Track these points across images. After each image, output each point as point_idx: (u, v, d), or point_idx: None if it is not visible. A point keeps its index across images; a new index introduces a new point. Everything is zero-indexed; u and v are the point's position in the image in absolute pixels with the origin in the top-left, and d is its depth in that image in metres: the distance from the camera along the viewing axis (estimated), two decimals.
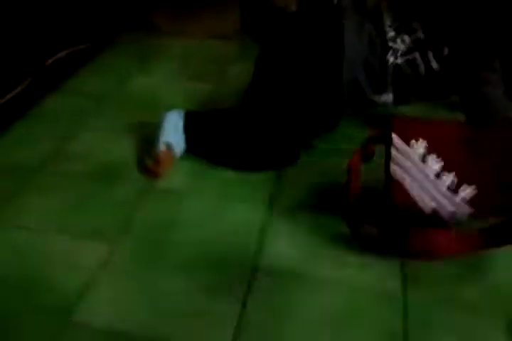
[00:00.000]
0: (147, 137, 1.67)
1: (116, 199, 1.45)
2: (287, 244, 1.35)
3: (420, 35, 1.57)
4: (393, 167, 1.30)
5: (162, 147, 1.56)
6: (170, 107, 1.69)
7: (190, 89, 2.05)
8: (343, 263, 1.30)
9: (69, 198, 1.45)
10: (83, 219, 1.38)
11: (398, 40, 1.58)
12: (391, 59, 1.58)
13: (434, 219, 1.27)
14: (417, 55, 1.58)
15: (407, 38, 1.58)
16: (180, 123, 1.62)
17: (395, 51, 1.58)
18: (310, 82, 1.59)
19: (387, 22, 1.60)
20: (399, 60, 1.58)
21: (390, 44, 1.57)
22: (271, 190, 1.54)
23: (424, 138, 1.33)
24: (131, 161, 1.61)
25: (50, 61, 1.95)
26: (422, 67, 1.58)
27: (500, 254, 1.33)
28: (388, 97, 1.66)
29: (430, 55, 1.57)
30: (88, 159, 1.60)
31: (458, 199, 1.26)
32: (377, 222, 1.31)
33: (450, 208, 1.26)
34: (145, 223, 1.38)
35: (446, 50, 1.55)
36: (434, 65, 1.58)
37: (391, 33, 1.58)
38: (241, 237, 1.36)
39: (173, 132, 1.60)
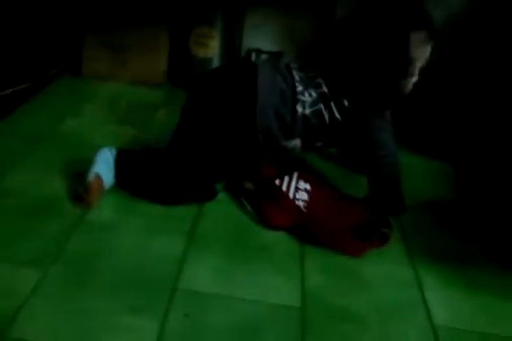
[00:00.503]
0: (78, 173, 1.80)
1: (48, 231, 1.58)
2: (204, 269, 1.52)
3: (324, 89, 1.81)
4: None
5: (92, 177, 1.70)
6: (99, 148, 1.83)
7: (117, 132, 2.21)
8: (254, 284, 1.49)
9: (2, 231, 1.56)
10: (15, 249, 1.50)
11: (306, 94, 1.79)
12: (300, 109, 1.78)
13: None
14: (321, 106, 1.80)
15: (313, 92, 1.79)
16: (111, 159, 1.77)
17: (303, 103, 1.78)
18: (227, 127, 1.78)
19: (296, 77, 1.82)
20: (306, 111, 1.79)
21: (299, 96, 1.78)
22: (192, 223, 1.71)
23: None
24: (62, 196, 1.74)
25: None
26: (326, 117, 1.81)
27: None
28: (296, 143, 1.86)
29: (333, 106, 1.80)
30: (20, 196, 1.72)
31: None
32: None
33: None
34: (75, 253, 1.52)
35: (345, 102, 1.81)
36: (337, 115, 1.82)
37: (299, 88, 1.79)
38: (163, 264, 1.52)
39: (103, 165, 1.75)
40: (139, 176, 1.79)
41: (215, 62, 2.71)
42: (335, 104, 1.80)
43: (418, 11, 1.81)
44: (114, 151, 1.80)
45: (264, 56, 2.81)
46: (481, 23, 2.34)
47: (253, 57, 2.82)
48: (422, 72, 1.83)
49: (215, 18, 2.64)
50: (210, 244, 1.63)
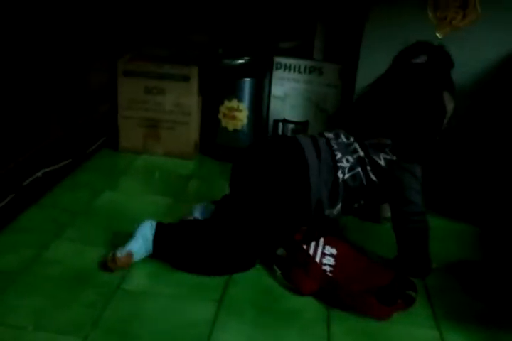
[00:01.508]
0: (115, 244, 1.92)
1: (87, 300, 1.68)
2: (232, 336, 1.59)
3: (360, 153, 1.93)
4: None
5: (124, 253, 1.81)
6: (136, 219, 1.96)
7: (153, 203, 2.34)
8: None
9: (44, 300, 1.67)
10: (57, 318, 1.59)
11: (344, 160, 1.91)
12: (341, 176, 1.90)
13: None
14: (359, 169, 1.91)
15: (350, 158, 1.92)
16: (150, 232, 1.87)
17: (343, 169, 1.90)
18: (280, 202, 1.88)
19: (334, 146, 1.94)
20: (346, 176, 1.90)
21: (339, 164, 1.90)
22: (222, 290, 1.79)
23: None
24: (99, 267, 1.85)
25: (27, 181, 2.23)
26: (363, 179, 1.91)
27: None
28: (338, 209, 1.96)
29: (369, 169, 1.91)
30: (61, 265, 1.84)
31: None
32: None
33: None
34: (112, 319, 1.60)
35: (382, 162, 1.91)
36: (373, 176, 1.92)
37: (338, 155, 1.91)
38: (193, 330, 1.59)
39: (140, 240, 1.86)
40: (178, 248, 1.88)
41: (244, 134, 2.86)
42: (371, 166, 1.91)
43: (445, 74, 1.96)
44: (154, 224, 1.90)
45: (291, 126, 2.95)
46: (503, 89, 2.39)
47: (280, 127, 2.96)
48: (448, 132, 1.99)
49: (243, 92, 2.82)
50: (239, 311, 1.70)
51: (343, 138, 1.98)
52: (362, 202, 1.98)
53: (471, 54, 2.25)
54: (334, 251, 1.97)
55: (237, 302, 1.74)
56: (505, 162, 2.36)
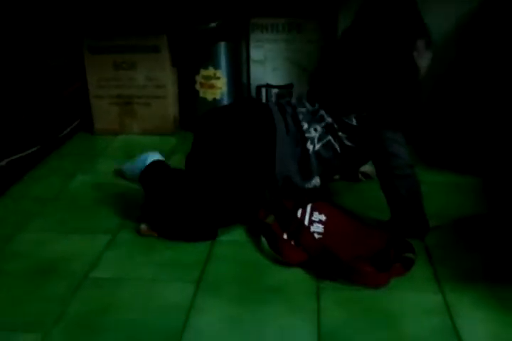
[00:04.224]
0: (86, 229, 1.80)
1: (51, 292, 1.53)
2: (212, 317, 1.43)
3: (328, 120, 1.76)
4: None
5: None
6: (111, 202, 1.89)
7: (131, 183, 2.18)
8: (266, 330, 1.38)
9: (3, 295, 1.52)
10: (15, 314, 1.45)
11: (311, 130, 1.76)
12: (310, 147, 1.76)
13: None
14: (330, 137, 1.76)
15: (318, 126, 1.77)
16: (142, 165, 1.92)
17: (312, 140, 1.76)
18: (243, 174, 1.75)
19: (300, 116, 1.79)
20: (317, 147, 1.76)
21: (306, 135, 1.76)
22: (201, 269, 1.63)
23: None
24: (67, 256, 1.69)
25: None
26: (337, 147, 1.76)
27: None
28: (316, 181, 1.83)
29: (341, 135, 1.75)
30: (26, 258, 1.69)
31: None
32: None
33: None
34: (78, 312, 1.45)
35: (354, 121, 1.73)
36: (347, 142, 1.75)
37: (305, 126, 1.77)
38: (170, 316, 1.43)
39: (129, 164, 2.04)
40: (152, 194, 1.81)
41: (225, 103, 2.68)
42: (342, 131, 1.75)
43: (417, 20, 1.75)
44: (150, 160, 1.94)
45: (274, 90, 2.76)
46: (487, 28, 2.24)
47: (263, 93, 2.78)
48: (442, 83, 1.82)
49: (219, 58, 2.63)
50: (220, 290, 1.54)
51: (307, 105, 1.81)
52: (340, 171, 1.85)
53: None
54: (323, 217, 1.80)
55: (217, 280, 1.58)
56: (505, 108, 2.19)
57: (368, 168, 2.11)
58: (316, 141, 1.76)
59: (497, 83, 2.25)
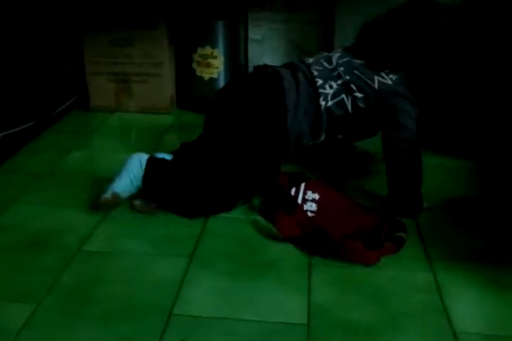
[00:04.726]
0: (79, 204, 1.80)
1: (43, 264, 1.53)
2: (204, 290, 1.44)
3: (346, 78, 1.76)
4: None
5: (107, 195, 1.69)
6: (104, 177, 1.85)
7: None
8: (258, 303, 1.39)
9: None
10: (7, 285, 1.45)
11: (327, 86, 1.76)
12: (323, 103, 1.75)
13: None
14: (343, 96, 1.76)
15: (333, 83, 1.76)
16: (138, 170, 1.72)
17: (326, 96, 1.75)
18: (258, 135, 1.74)
19: (315, 73, 1.78)
20: (329, 103, 1.75)
21: (320, 90, 1.75)
22: (194, 243, 1.64)
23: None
24: (61, 229, 1.70)
25: None
26: (349, 107, 1.76)
27: None
28: (320, 139, 1.82)
29: (356, 95, 1.75)
30: (18, 230, 1.69)
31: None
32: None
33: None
34: (70, 284, 1.46)
35: (376, 85, 1.74)
36: (360, 103, 1.76)
37: (320, 82, 1.76)
38: (160, 289, 1.44)
39: (124, 179, 1.72)
40: (166, 188, 1.74)
41: (222, 82, 2.66)
42: (359, 91, 1.75)
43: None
44: (144, 160, 1.75)
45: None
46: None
47: None
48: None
49: (217, 37, 2.61)
50: (212, 264, 1.55)
51: (325, 62, 1.82)
52: (346, 133, 1.84)
53: None
54: (316, 196, 1.80)
55: (210, 254, 1.59)
56: (500, 94, 2.19)
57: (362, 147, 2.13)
58: (329, 97, 1.75)
59: (490, 69, 2.24)
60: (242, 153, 1.74)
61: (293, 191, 1.80)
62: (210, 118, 1.86)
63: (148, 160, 1.75)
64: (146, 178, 1.73)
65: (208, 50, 2.62)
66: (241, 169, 1.74)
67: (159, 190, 1.75)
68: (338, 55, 1.84)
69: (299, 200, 1.77)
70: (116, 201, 1.73)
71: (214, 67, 2.64)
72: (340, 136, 1.85)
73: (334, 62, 1.81)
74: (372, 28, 1.87)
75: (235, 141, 1.75)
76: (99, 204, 1.73)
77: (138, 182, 1.73)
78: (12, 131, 2.21)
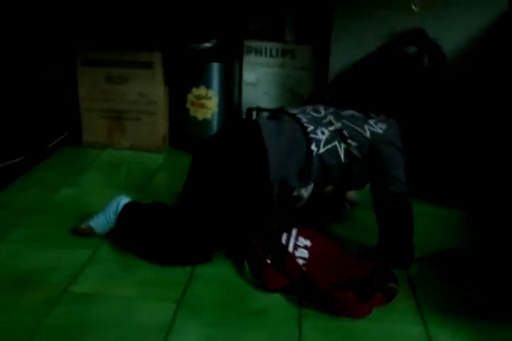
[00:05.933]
0: (67, 242, 1.79)
1: (27, 306, 1.50)
2: (191, 339, 1.40)
3: (337, 125, 1.75)
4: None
5: (85, 226, 1.84)
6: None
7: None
8: None
9: None
10: None
11: (318, 132, 1.73)
12: (315, 149, 1.70)
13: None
14: (336, 143, 1.73)
15: (325, 130, 1.74)
16: (114, 212, 1.81)
17: (317, 142, 1.71)
18: (240, 186, 1.70)
19: (304, 119, 1.77)
20: (321, 150, 1.70)
21: (311, 136, 1.71)
22: (182, 289, 1.61)
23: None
24: (47, 268, 1.66)
25: None
26: (341, 155, 1.73)
27: None
28: (308, 189, 1.75)
29: (350, 142, 1.73)
30: (3, 268, 1.66)
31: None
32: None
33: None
34: (53, 328, 1.42)
35: (368, 134, 1.75)
36: (355, 151, 1.74)
37: (310, 127, 1.73)
38: (147, 337, 1.41)
39: (100, 217, 1.83)
40: (138, 232, 1.77)
41: (215, 123, 2.68)
42: (352, 139, 1.74)
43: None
44: (123, 203, 1.82)
45: (265, 113, 2.77)
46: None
47: (254, 115, 2.79)
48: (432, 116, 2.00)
49: (211, 78, 2.63)
50: (200, 311, 1.52)
51: (312, 112, 1.82)
52: (336, 184, 1.85)
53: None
54: (308, 243, 1.79)
55: (198, 301, 1.56)
56: (493, 143, 2.22)
57: (353, 194, 2.12)
58: (321, 144, 1.71)
59: (478, 117, 2.27)
60: (221, 206, 1.71)
61: (284, 236, 1.78)
62: (194, 167, 1.84)
63: (125, 206, 1.81)
64: (118, 223, 1.80)
65: (202, 90, 2.64)
66: (219, 222, 1.71)
67: (131, 236, 1.79)
68: (323, 107, 1.86)
69: (291, 246, 1.75)
70: (90, 233, 1.84)
71: (208, 107, 2.66)
72: (329, 188, 1.85)
73: (322, 111, 1.82)
74: (346, 81, 1.95)
75: (214, 193, 1.72)
76: (74, 230, 1.86)
77: (111, 224, 1.82)
78: (1, 165, 2.18)
